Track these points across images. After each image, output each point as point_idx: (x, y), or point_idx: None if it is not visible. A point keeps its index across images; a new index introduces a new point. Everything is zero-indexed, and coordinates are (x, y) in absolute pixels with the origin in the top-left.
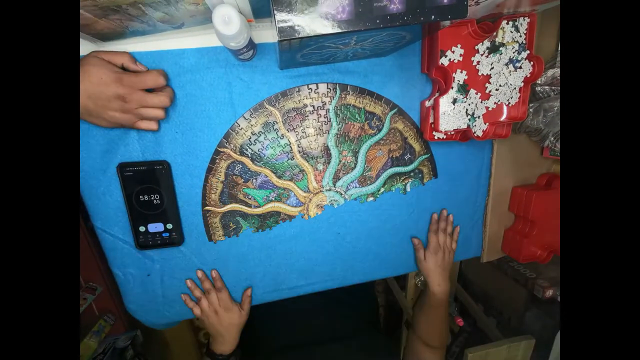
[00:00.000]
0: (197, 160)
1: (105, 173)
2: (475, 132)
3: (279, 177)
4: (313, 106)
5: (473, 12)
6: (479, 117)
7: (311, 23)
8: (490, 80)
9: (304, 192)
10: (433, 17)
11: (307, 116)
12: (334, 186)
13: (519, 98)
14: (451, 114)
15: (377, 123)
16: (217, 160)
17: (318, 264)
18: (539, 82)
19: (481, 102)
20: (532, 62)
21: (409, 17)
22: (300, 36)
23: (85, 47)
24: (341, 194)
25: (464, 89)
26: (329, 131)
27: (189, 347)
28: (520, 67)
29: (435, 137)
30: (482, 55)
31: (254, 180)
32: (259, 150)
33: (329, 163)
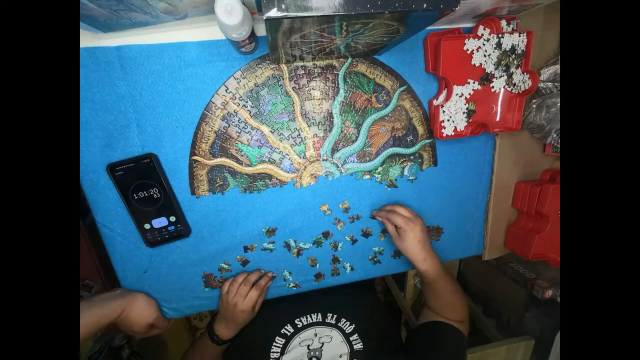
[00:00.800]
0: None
1: (105, 167)
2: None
3: (276, 138)
4: (322, 67)
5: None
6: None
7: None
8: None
9: (300, 158)
10: (425, 5)
11: (315, 77)
12: (332, 157)
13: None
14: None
15: (384, 97)
16: (213, 108)
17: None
18: (542, 78)
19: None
20: (528, 75)
21: (399, 3)
22: (289, 15)
23: (86, 38)
24: (337, 167)
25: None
26: (335, 97)
27: (186, 346)
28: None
29: (444, 135)
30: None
31: (249, 136)
32: (259, 104)
33: (330, 131)
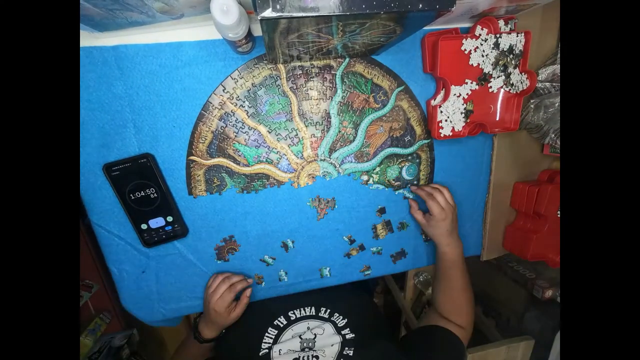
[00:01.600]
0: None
1: (101, 167)
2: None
3: (274, 138)
4: (320, 67)
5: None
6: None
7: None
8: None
9: (298, 158)
10: (421, 5)
11: (313, 77)
12: (329, 157)
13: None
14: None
15: (382, 98)
16: (210, 108)
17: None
18: (540, 78)
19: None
20: (526, 75)
21: (395, 4)
22: (284, 15)
23: (82, 37)
24: (335, 167)
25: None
26: (332, 97)
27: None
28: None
29: (442, 135)
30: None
31: (247, 137)
32: (257, 105)
33: (327, 131)
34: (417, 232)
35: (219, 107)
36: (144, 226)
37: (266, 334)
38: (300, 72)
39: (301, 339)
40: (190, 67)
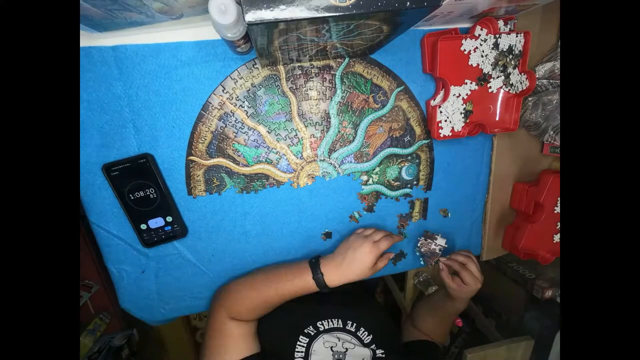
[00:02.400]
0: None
1: (101, 167)
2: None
3: (273, 138)
4: (319, 68)
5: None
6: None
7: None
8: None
9: (297, 158)
10: (408, 3)
11: (312, 78)
12: (329, 157)
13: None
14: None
15: (382, 98)
16: (210, 108)
17: (299, 246)
18: (538, 75)
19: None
20: (525, 76)
21: (382, 3)
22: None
23: (82, 37)
24: (335, 167)
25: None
26: (332, 97)
27: (186, 347)
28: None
29: (442, 135)
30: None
31: (246, 137)
32: (256, 105)
33: (327, 131)
34: (417, 234)
35: (219, 107)
36: (143, 226)
37: (298, 342)
38: (300, 72)
39: (333, 351)
40: (190, 67)
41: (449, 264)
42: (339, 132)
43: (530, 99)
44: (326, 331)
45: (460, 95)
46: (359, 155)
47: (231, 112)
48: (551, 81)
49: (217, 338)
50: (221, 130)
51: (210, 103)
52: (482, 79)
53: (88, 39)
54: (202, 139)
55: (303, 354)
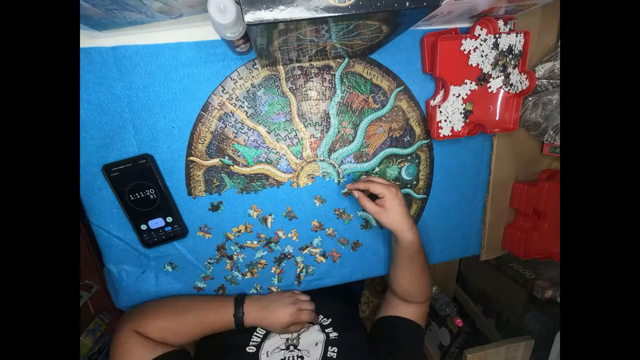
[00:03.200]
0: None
1: (101, 168)
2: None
3: (273, 138)
4: (319, 68)
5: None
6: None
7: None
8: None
9: (297, 158)
10: (408, 3)
11: (312, 78)
12: (329, 157)
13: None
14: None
15: (381, 98)
16: (210, 108)
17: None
18: (537, 75)
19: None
20: (525, 76)
21: (382, 3)
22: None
23: (81, 37)
24: (334, 167)
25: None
26: (331, 98)
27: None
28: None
29: (441, 135)
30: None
31: (246, 137)
32: (256, 105)
33: (327, 132)
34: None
35: (218, 107)
36: (143, 227)
37: (255, 333)
38: (300, 72)
39: (287, 339)
40: (190, 68)
41: (356, 187)
42: (338, 132)
43: (530, 98)
44: None
45: (460, 95)
46: (359, 155)
47: (231, 112)
48: (551, 81)
49: (121, 354)
50: (221, 131)
51: (210, 103)
52: (482, 78)
53: (88, 40)
54: (202, 139)
55: (258, 342)
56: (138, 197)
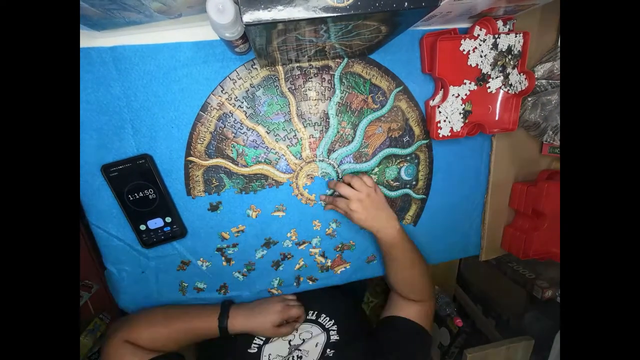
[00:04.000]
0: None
1: (100, 168)
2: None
3: (272, 138)
4: (318, 68)
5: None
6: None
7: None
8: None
9: (296, 158)
10: (407, 4)
11: (311, 78)
12: (328, 158)
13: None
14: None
15: (381, 98)
16: (209, 108)
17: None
18: (536, 75)
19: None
20: (524, 76)
21: (380, 3)
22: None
23: (80, 37)
24: (334, 167)
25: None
26: (331, 98)
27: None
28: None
29: (441, 135)
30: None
31: (245, 137)
32: (255, 105)
33: (326, 132)
34: (412, 235)
35: (218, 107)
36: (142, 227)
37: (256, 337)
38: (299, 72)
39: (290, 344)
40: (189, 68)
41: (333, 187)
42: (338, 132)
43: (529, 99)
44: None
45: (459, 95)
46: (358, 155)
47: (230, 112)
48: (550, 81)
49: None
50: (220, 131)
51: (209, 103)
52: (481, 79)
53: (87, 40)
54: (201, 139)
55: (260, 344)
56: (137, 197)
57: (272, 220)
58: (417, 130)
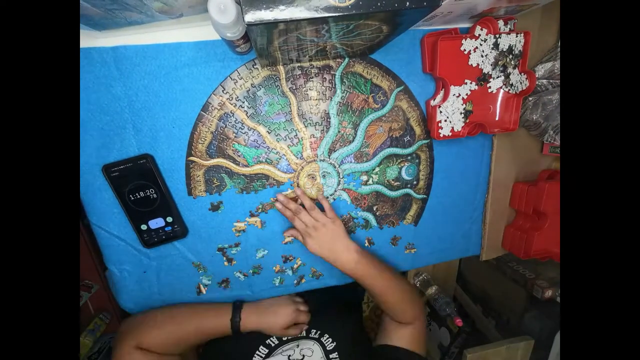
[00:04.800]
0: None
1: (101, 168)
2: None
3: (273, 138)
4: (319, 68)
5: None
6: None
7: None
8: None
9: (297, 158)
10: (408, 3)
11: (312, 78)
12: (329, 157)
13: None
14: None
15: (382, 98)
16: (210, 108)
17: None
18: (537, 75)
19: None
20: (525, 76)
21: (382, 3)
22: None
23: (81, 37)
24: (334, 167)
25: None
26: (332, 98)
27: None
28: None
29: (441, 135)
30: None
31: (246, 137)
32: (256, 105)
33: (327, 131)
34: (413, 235)
35: (219, 107)
36: (143, 227)
37: (257, 352)
38: (300, 72)
39: (289, 359)
40: (190, 68)
41: (283, 213)
42: (338, 132)
43: (530, 98)
44: (289, 341)
45: (460, 95)
46: (359, 155)
47: (231, 112)
48: (551, 81)
49: None
50: (221, 131)
51: (210, 103)
52: (482, 79)
53: (88, 40)
54: (202, 139)
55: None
56: (138, 197)
57: (272, 220)
58: (418, 130)
